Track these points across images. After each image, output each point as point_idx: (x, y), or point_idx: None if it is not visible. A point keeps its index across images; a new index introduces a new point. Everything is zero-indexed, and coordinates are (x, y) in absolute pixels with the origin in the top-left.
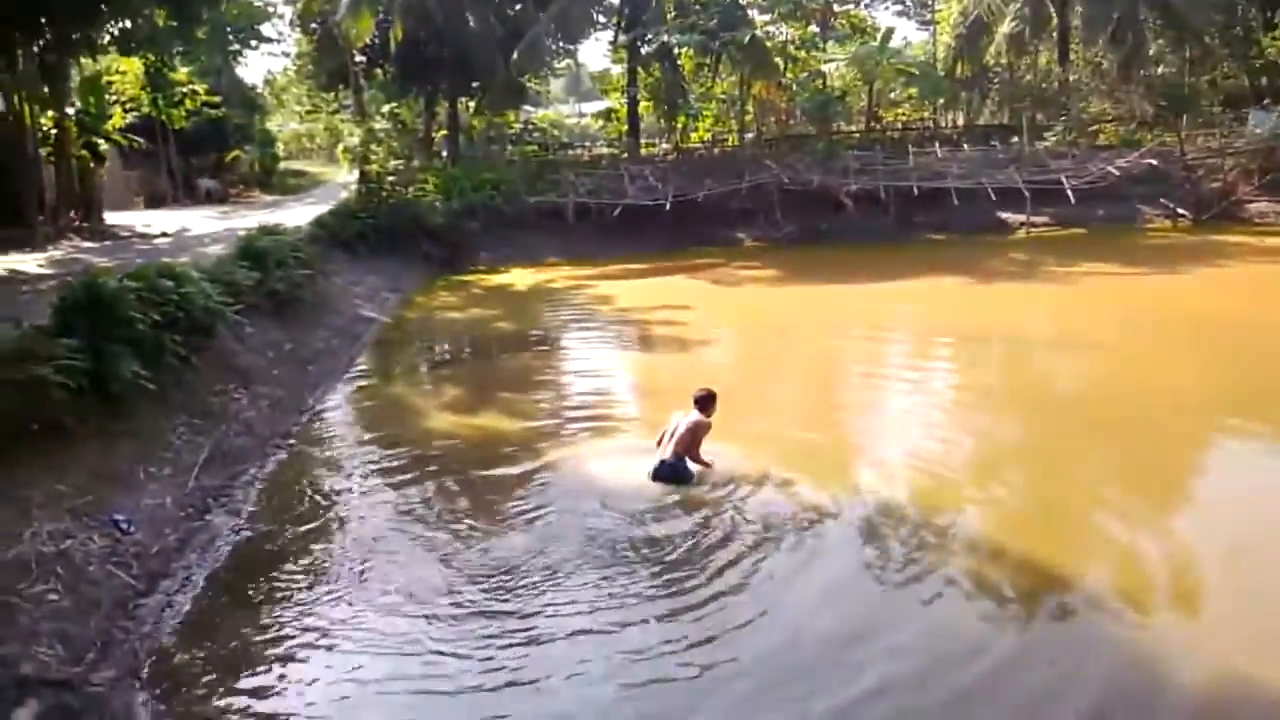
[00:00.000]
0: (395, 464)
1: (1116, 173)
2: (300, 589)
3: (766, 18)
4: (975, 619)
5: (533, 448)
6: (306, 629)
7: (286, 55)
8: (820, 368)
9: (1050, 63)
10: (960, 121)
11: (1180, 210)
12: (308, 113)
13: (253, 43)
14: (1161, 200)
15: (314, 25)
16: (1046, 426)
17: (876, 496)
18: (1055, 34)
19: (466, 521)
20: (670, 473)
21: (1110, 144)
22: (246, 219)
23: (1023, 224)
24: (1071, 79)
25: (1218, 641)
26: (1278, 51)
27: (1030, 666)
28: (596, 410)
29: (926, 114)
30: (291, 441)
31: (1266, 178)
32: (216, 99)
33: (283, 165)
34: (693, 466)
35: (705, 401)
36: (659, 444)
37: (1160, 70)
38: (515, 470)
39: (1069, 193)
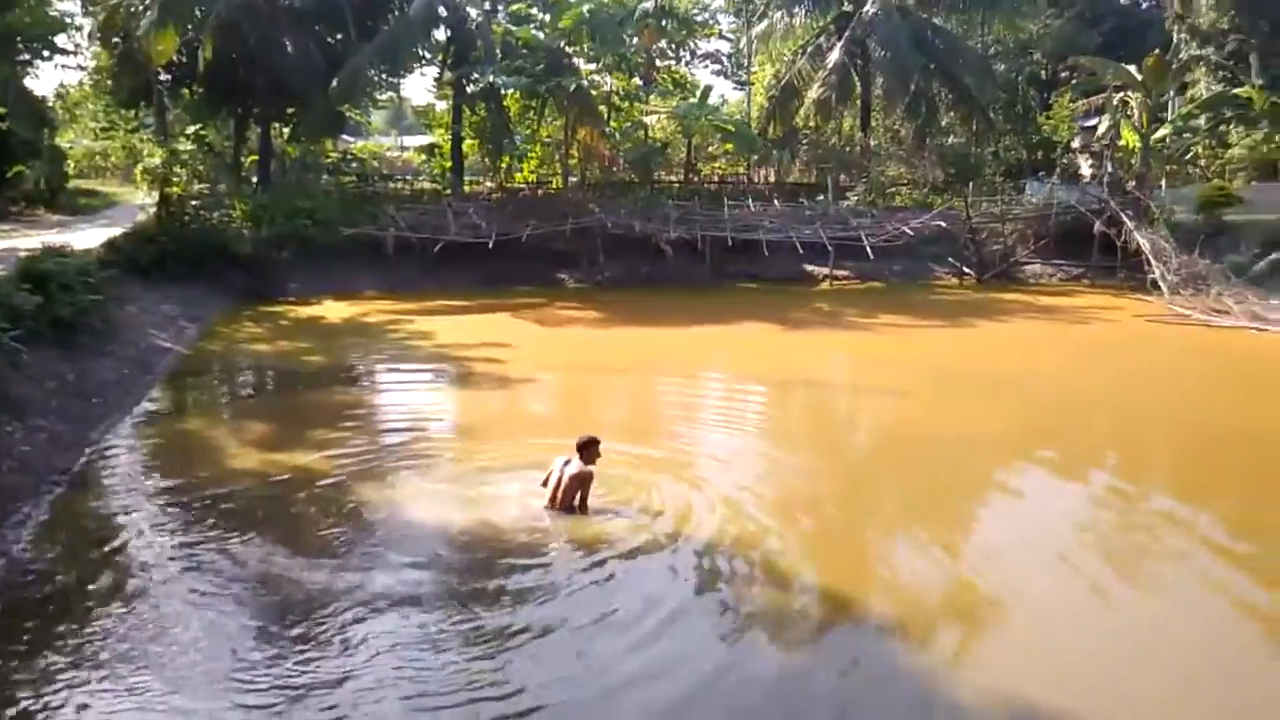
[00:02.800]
0: (190, 507)
1: (910, 232)
2: (74, 641)
3: (592, 66)
4: (770, 648)
5: (344, 486)
6: (77, 685)
7: (83, 69)
8: (640, 408)
9: (854, 128)
10: (772, 178)
11: (966, 269)
12: (103, 130)
13: (45, 53)
14: (950, 259)
15: (115, 39)
16: (845, 463)
17: (688, 531)
18: (859, 102)
19: (271, 568)
20: None
21: (905, 205)
22: (30, 239)
23: (826, 275)
24: (872, 144)
25: (996, 664)
26: (1052, 129)
27: (816, 692)
28: (413, 448)
29: (741, 169)
30: (71, 479)
31: (1040, 242)
32: (0, 110)
33: (73, 184)
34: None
35: (587, 448)
36: (546, 486)
37: (950, 140)
38: (326, 511)
39: (868, 249)
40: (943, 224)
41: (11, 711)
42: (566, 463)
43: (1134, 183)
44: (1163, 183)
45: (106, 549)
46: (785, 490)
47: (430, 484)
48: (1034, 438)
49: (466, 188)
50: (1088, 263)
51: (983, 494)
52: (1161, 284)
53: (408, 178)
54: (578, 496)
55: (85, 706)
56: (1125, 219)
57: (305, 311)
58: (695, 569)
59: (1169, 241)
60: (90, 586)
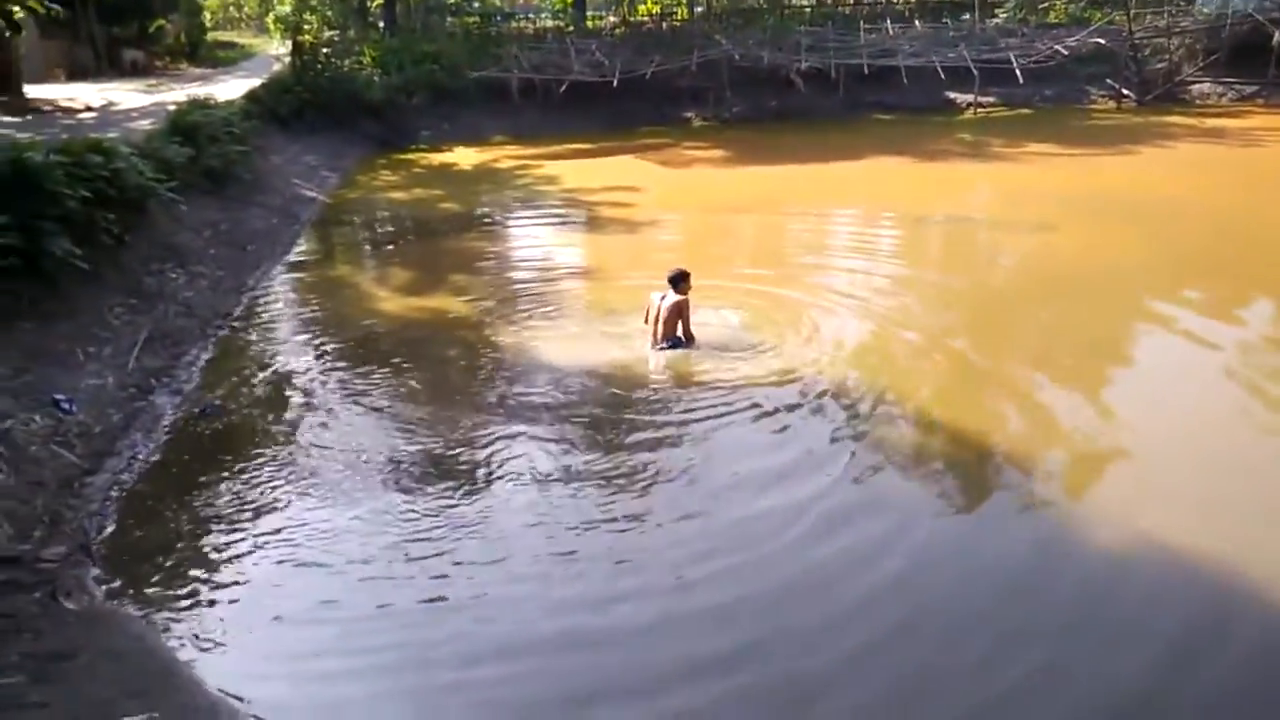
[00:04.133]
0: (342, 345)
1: (1065, 52)
2: (247, 469)
3: None
4: (905, 494)
5: (484, 328)
6: (252, 508)
7: None
8: (771, 249)
9: None
10: None
11: (1125, 91)
12: None
13: None
14: (1108, 81)
15: None
16: (981, 302)
17: (824, 370)
18: None
19: (419, 400)
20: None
21: (1060, 22)
22: (175, 93)
23: (971, 103)
24: None
25: (1126, 508)
26: None
27: (957, 544)
28: (545, 291)
29: None
30: (234, 322)
31: (1211, 58)
32: None
33: (210, 36)
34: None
35: (679, 280)
36: (648, 324)
37: None
38: (467, 350)
39: (1017, 72)
40: (1101, 41)
41: (203, 528)
42: (663, 297)
43: None
44: None
45: (271, 385)
46: (917, 327)
47: (562, 325)
48: (1191, 274)
49: (589, 23)
50: (1264, 79)
51: (1128, 334)
52: None
53: (530, 15)
54: (679, 326)
55: (260, 524)
56: None
57: (437, 159)
58: (814, 408)
59: None
60: (259, 416)
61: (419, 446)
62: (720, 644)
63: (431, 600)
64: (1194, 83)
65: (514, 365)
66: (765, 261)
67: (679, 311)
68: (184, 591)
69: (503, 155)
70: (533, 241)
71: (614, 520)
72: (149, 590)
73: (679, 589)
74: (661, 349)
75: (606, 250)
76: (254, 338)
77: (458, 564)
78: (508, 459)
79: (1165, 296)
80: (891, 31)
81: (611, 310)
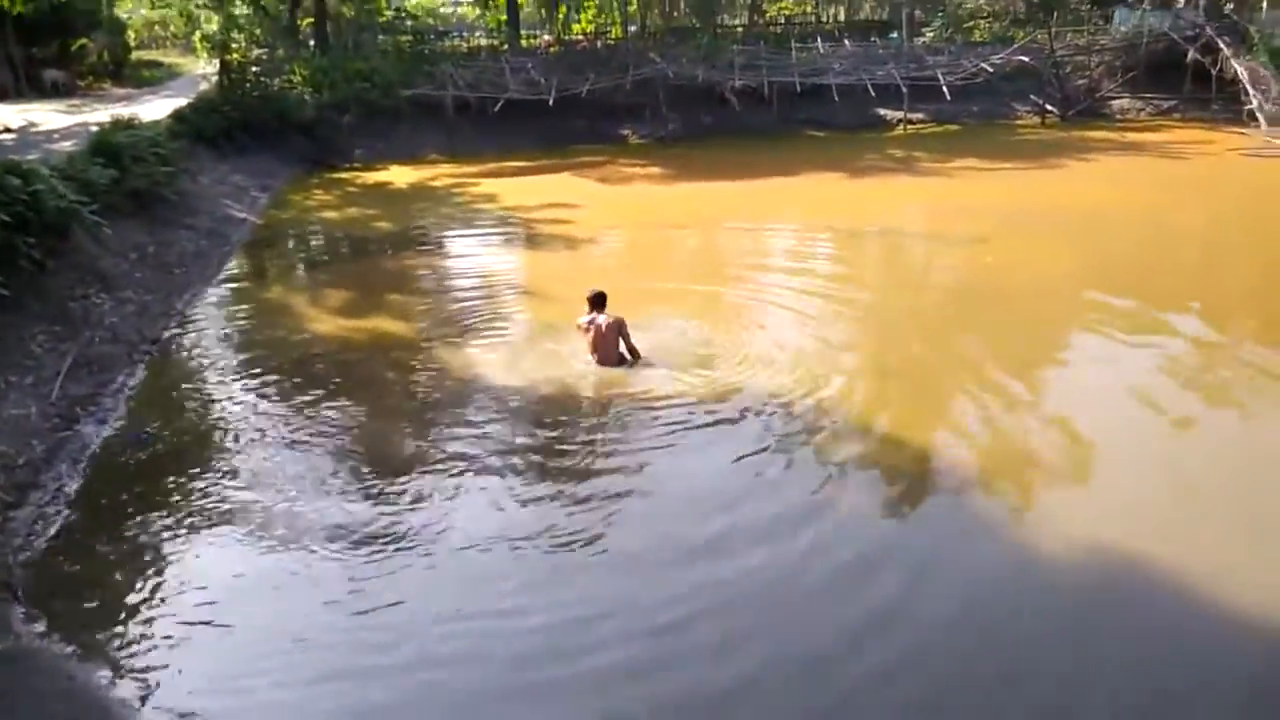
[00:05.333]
0: (276, 369)
1: (990, 69)
2: (178, 501)
3: None
4: (844, 502)
5: (422, 349)
6: (184, 542)
7: None
8: (711, 263)
9: None
10: (842, 16)
11: (1049, 107)
12: None
13: None
14: (1032, 97)
15: None
16: (919, 312)
17: (766, 383)
18: None
19: (356, 426)
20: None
21: (985, 40)
22: (98, 113)
23: (900, 120)
24: None
25: (1074, 511)
26: None
27: (903, 553)
28: (486, 311)
29: (809, 7)
30: (163, 348)
31: (1129, 75)
32: None
33: (135, 55)
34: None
35: (600, 300)
36: (590, 349)
37: None
38: (405, 373)
39: (945, 89)
40: (1025, 59)
41: (132, 563)
42: (591, 320)
43: (1231, 5)
44: (1264, 4)
45: (202, 412)
46: (854, 339)
47: (503, 345)
48: (1118, 282)
49: (523, 42)
50: (1180, 95)
51: (1061, 341)
52: (1259, 115)
53: (463, 34)
54: (622, 344)
55: (194, 554)
56: (1222, 45)
57: (371, 177)
58: (758, 421)
59: (1269, 68)
60: (190, 445)
61: (356, 475)
62: (684, 686)
63: (374, 649)
64: (1114, 98)
65: (454, 388)
66: (705, 276)
67: (619, 330)
68: (114, 628)
69: (439, 173)
70: (471, 260)
71: (567, 549)
72: (77, 627)
73: (648, 634)
74: (604, 367)
75: (546, 267)
76: (184, 363)
77: (396, 604)
78: (452, 488)
79: (1092, 304)
80: (822, 50)
81: (553, 328)
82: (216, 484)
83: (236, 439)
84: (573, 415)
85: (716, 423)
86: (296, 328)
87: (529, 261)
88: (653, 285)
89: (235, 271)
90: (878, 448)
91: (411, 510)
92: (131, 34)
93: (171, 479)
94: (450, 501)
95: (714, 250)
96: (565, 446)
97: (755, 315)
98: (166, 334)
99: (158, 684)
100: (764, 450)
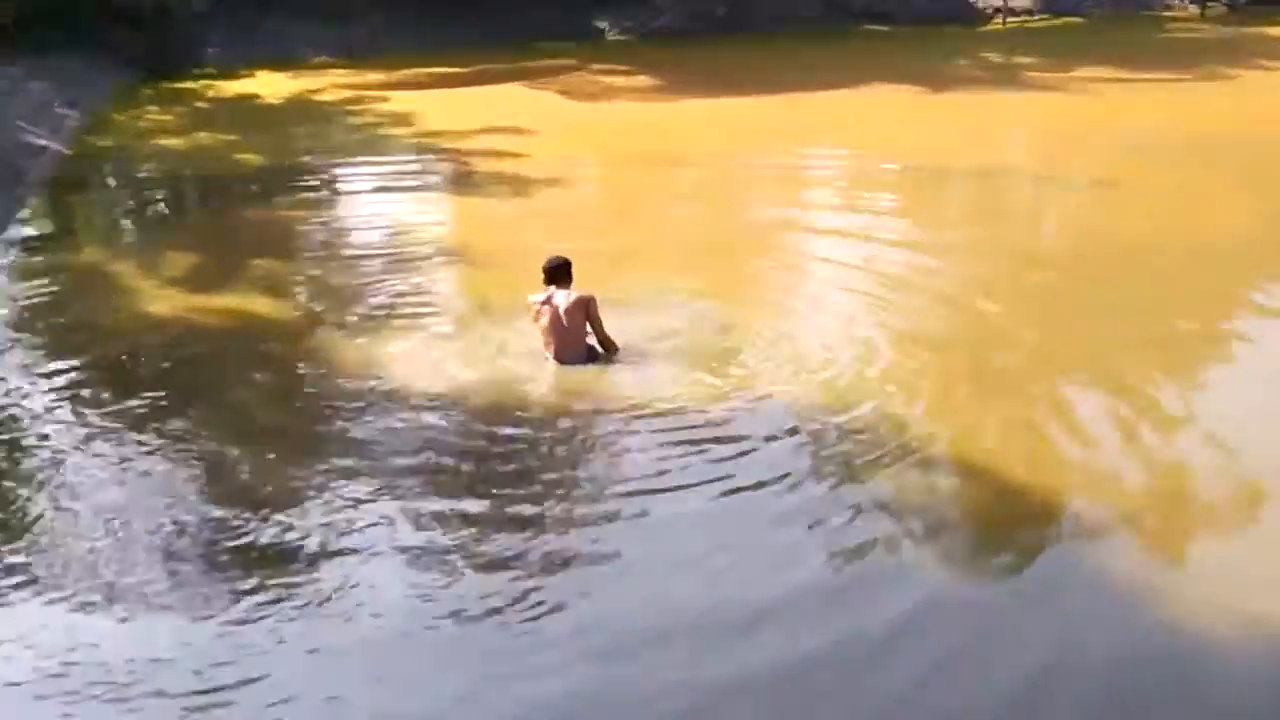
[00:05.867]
0: (94, 368)
1: None
2: None
3: None
4: (942, 569)
5: (306, 338)
6: None
7: None
8: (724, 216)
9: None
10: None
11: None
12: None
13: None
14: None
15: None
16: (1019, 288)
17: (806, 390)
18: None
19: (211, 447)
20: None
21: None
22: None
23: (998, 10)
24: None
25: (1229, 570)
26: None
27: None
28: (398, 284)
29: None
30: None
31: None
32: None
33: None
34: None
35: (560, 272)
36: (543, 336)
37: None
38: (282, 371)
39: None
40: None
41: None
42: (547, 299)
43: None
44: None
45: None
46: (933, 327)
47: (422, 333)
48: None
49: None
50: None
51: (1228, 330)
52: None
53: None
54: (589, 332)
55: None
56: None
57: (231, 88)
58: (793, 447)
59: None
60: None
61: (210, 518)
62: None
63: None
64: None
65: (349, 396)
66: (716, 235)
67: (586, 312)
68: None
69: (328, 83)
70: (375, 210)
71: (511, 635)
72: None
73: None
74: (566, 365)
75: (484, 221)
76: None
77: (273, 704)
78: (347, 546)
79: (1273, 276)
80: None
81: (493, 310)
82: (14, 534)
83: (40, 469)
84: (519, 438)
85: (730, 448)
86: (122, 308)
87: (460, 212)
88: (638, 248)
89: (31, 226)
90: (968, 487)
91: (287, 576)
92: None
93: None
94: (344, 563)
95: (727, 197)
96: (509, 485)
97: (790, 292)
98: None
99: None
100: (801, 490)
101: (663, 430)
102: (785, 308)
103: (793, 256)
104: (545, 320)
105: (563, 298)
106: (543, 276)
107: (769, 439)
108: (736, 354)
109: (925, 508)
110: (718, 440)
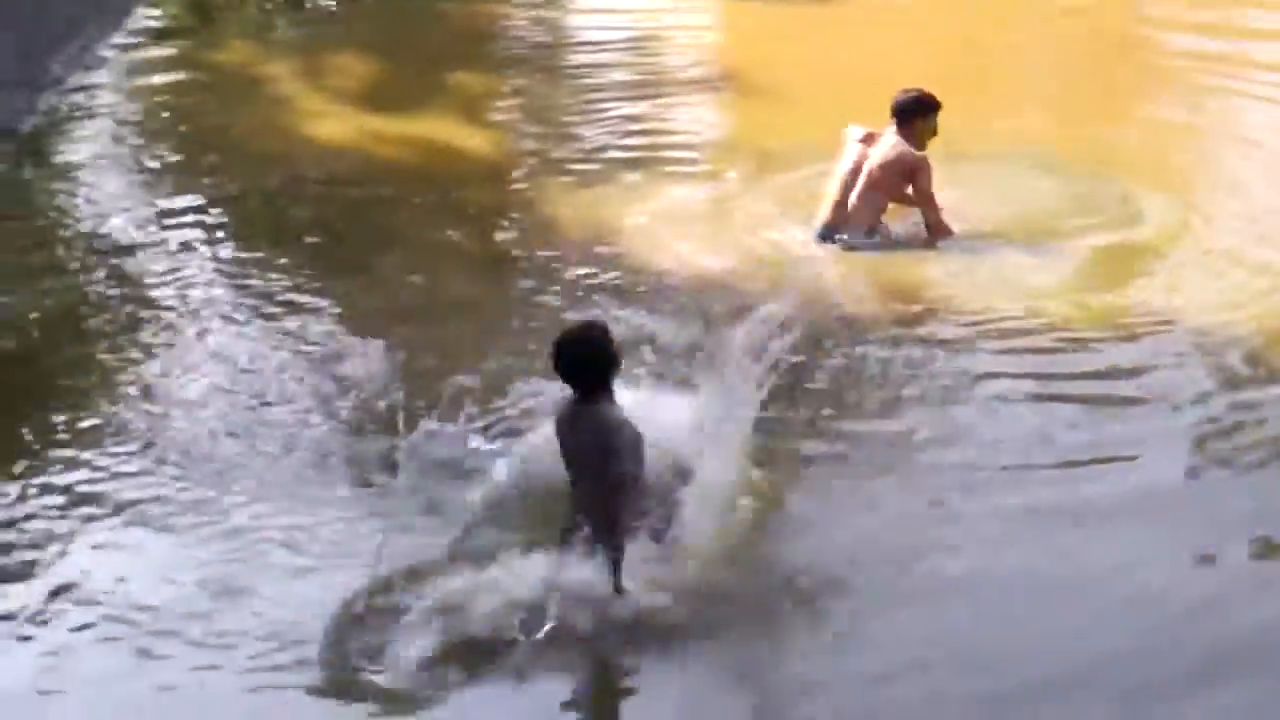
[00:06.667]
0: (235, 205)
1: None
2: (59, 440)
3: None
4: None
5: (507, 186)
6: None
7: None
8: (1122, 41)
9: None
10: None
11: None
12: None
13: None
14: None
15: None
16: None
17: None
18: None
19: (379, 318)
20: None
21: None
22: None
23: None
24: None
25: None
26: None
27: None
28: (641, 116)
29: None
30: (16, 153)
31: None
32: None
33: None
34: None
35: (911, 112)
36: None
37: None
38: (470, 226)
39: None
40: None
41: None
42: (867, 137)
43: None
44: None
45: (94, 283)
46: None
47: (669, 189)
48: None
49: None
50: None
51: None
52: None
53: None
54: (903, 201)
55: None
56: None
57: None
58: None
59: None
60: (69, 346)
61: (372, 413)
62: None
63: None
64: None
65: (565, 271)
66: (1114, 68)
67: (904, 172)
68: None
69: None
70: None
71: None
72: None
73: None
74: (840, 241)
75: (775, 30)
76: (56, 185)
77: None
78: None
79: None
80: None
81: (771, 159)
82: (121, 423)
83: (156, 340)
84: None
85: (1140, 408)
86: (274, 127)
87: (737, 11)
88: (995, 83)
89: (161, 8)
90: None
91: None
92: None
93: (42, 404)
94: None
95: (1133, 10)
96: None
97: (1233, 168)
98: (25, 127)
99: None
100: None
101: (1035, 374)
102: (1228, 188)
103: (1235, 113)
104: (842, 168)
105: (881, 146)
106: (890, 117)
107: (1197, 399)
108: (1151, 256)
109: None
110: (1107, 396)
